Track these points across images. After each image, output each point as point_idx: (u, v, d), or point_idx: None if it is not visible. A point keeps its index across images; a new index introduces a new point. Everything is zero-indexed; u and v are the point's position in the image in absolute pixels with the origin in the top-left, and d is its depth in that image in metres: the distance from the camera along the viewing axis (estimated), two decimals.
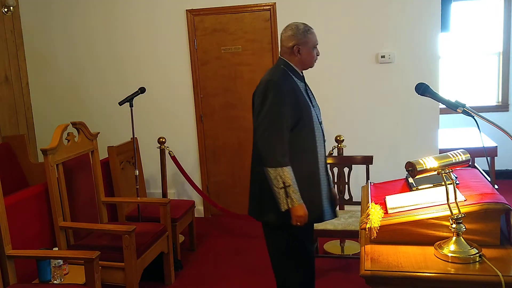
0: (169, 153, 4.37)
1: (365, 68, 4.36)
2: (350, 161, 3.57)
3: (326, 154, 2.56)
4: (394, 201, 1.97)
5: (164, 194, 4.37)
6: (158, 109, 4.80)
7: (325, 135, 2.47)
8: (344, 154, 3.87)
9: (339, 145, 3.90)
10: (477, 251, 1.64)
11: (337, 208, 2.60)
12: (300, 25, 2.36)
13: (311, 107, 2.37)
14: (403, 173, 2.03)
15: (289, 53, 2.37)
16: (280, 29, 4.39)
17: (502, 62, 5.38)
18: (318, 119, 2.41)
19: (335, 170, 3.62)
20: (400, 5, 4.22)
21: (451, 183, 1.69)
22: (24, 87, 5.01)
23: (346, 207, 3.72)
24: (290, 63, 2.38)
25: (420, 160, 1.72)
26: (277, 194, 2.23)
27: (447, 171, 1.72)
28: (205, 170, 4.81)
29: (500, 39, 5.35)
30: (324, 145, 2.45)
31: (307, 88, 2.45)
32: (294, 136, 2.29)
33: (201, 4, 4.53)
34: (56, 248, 2.86)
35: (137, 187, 3.67)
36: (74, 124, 3.23)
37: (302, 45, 2.35)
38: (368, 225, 1.82)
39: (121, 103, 3.50)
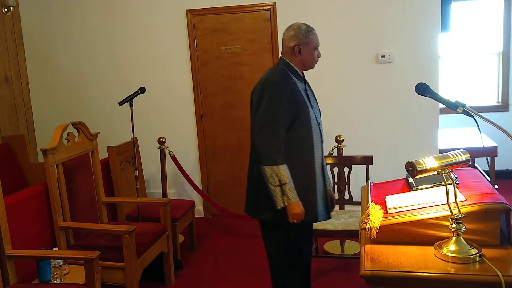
0: (169, 153, 4.37)
1: (365, 68, 4.36)
2: (350, 161, 3.57)
3: (325, 155, 2.56)
4: (394, 201, 1.97)
5: (164, 194, 4.37)
6: (158, 109, 4.80)
7: (323, 136, 2.46)
8: (344, 154, 3.87)
9: (339, 145, 3.90)
10: (477, 251, 1.64)
11: (333, 209, 2.60)
12: (302, 26, 2.36)
13: (310, 107, 2.36)
14: (403, 173, 2.03)
15: (290, 53, 2.37)
16: (280, 29, 4.44)
17: (502, 62, 5.38)
18: (317, 120, 2.40)
19: (335, 170, 3.63)
20: (400, 5, 4.22)
21: (451, 183, 1.69)
22: (24, 87, 5.01)
23: (346, 207, 3.72)
24: (291, 63, 2.38)
25: (420, 160, 1.72)
26: (273, 192, 2.24)
27: (447, 171, 1.72)
28: (205, 170, 4.81)
29: (500, 39, 5.35)
30: (322, 146, 2.45)
31: (307, 88, 2.45)
32: (291, 135, 2.29)
33: (201, 4, 4.53)
34: (56, 248, 2.86)
35: (137, 187, 3.67)
36: (74, 124, 3.23)
37: (303, 45, 2.35)
38: (368, 225, 1.82)
39: (121, 103, 3.50)
